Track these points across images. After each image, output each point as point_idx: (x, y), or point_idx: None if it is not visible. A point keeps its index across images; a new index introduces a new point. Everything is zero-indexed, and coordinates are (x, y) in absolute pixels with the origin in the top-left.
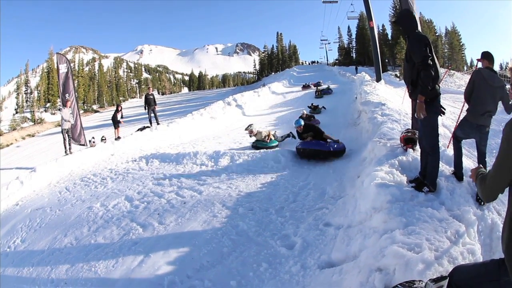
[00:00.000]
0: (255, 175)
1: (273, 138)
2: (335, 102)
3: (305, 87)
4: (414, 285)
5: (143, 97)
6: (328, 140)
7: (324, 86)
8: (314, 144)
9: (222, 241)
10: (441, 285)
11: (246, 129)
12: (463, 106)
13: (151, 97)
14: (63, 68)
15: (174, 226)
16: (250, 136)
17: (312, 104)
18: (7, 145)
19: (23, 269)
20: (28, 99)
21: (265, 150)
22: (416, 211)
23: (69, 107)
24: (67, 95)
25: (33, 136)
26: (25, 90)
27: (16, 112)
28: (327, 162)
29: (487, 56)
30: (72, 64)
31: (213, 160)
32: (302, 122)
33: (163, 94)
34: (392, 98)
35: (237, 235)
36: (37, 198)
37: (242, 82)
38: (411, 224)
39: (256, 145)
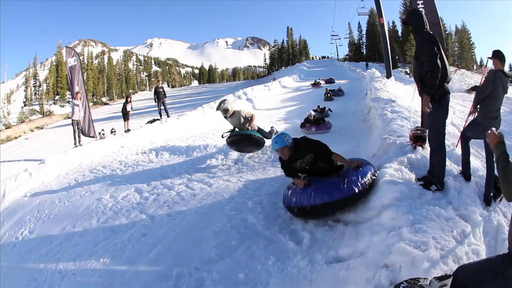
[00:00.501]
0: (265, 169)
1: (255, 129)
2: (344, 99)
3: (315, 84)
4: (419, 283)
5: (153, 89)
6: (342, 166)
7: (334, 86)
8: (319, 191)
9: (231, 234)
10: (445, 284)
11: (218, 109)
12: (472, 105)
13: (161, 90)
14: (72, 61)
15: (183, 218)
16: (226, 117)
17: (318, 106)
18: (16, 138)
19: (31, 260)
20: (37, 92)
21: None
22: (423, 209)
23: (79, 99)
24: (76, 88)
25: (41, 128)
26: (34, 83)
27: (25, 105)
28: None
29: (498, 55)
30: (81, 57)
31: (223, 153)
32: (287, 141)
33: (173, 87)
34: (402, 95)
35: (246, 229)
36: (46, 190)
37: (252, 76)
38: (418, 222)
39: (232, 139)
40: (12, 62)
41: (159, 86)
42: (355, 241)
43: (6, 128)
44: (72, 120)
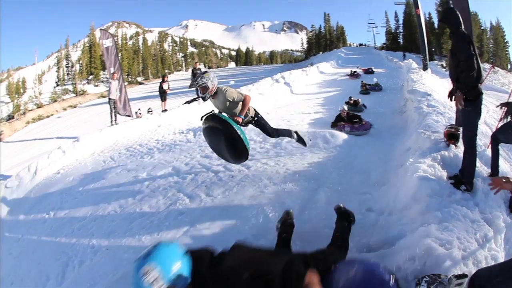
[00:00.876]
0: (303, 154)
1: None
2: (382, 95)
3: (353, 75)
4: (440, 279)
5: (190, 70)
6: None
7: (372, 80)
8: None
9: (268, 216)
10: (461, 282)
11: (193, 85)
12: (504, 112)
13: (198, 71)
14: (107, 43)
15: (221, 198)
16: (204, 98)
17: (350, 98)
18: (47, 116)
19: (62, 235)
20: (69, 72)
21: (313, 129)
22: (451, 208)
23: (115, 79)
24: (112, 68)
25: (74, 107)
26: (66, 64)
27: (57, 85)
28: (374, 147)
29: None
30: (115, 39)
31: (261, 136)
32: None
33: (209, 68)
34: (438, 89)
35: (282, 212)
36: (80, 167)
37: (290, 60)
38: (445, 221)
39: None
40: (42, 45)
41: (197, 67)
42: (386, 232)
43: (37, 108)
44: (109, 99)
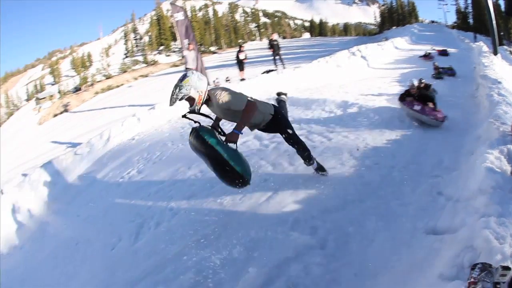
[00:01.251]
0: (381, 130)
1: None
2: (455, 81)
3: (426, 56)
4: (490, 268)
5: (264, 40)
6: None
7: (445, 63)
8: None
9: (347, 188)
10: (505, 274)
11: (172, 102)
12: None
13: (275, 42)
14: (179, 16)
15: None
16: (193, 110)
17: (420, 80)
18: (117, 86)
19: (138, 198)
20: (138, 44)
21: (389, 106)
22: (511, 204)
23: (191, 50)
24: (186, 40)
25: (146, 76)
26: (134, 37)
27: (126, 57)
28: (448, 132)
29: None
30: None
31: (341, 109)
32: None
33: (284, 38)
34: (508, 77)
35: (361, 186)
36: (157, 133)
37: (364, 33)
38: (503, 216)
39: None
40: (105, 21)
41: (273, 39)
42: (452, 218)
43: (106, 79)
44: (186, 68)
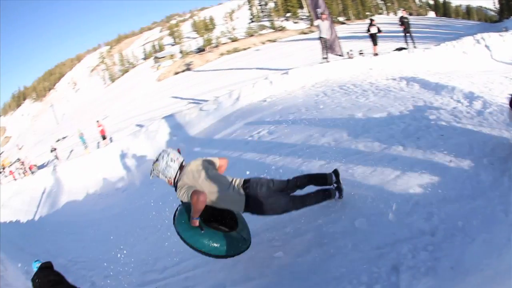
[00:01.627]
0: (501, 130)
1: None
2: None
3: None
4: None
5: (390, 15)
6: None
7: None
8: None
9: (464, 183)
10: None
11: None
12: None
13: (406, 20)
14: None
15: (429, 154)
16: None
17: None
18: (244, 49)
19: (265, 156)
20: (263, 10)
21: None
22: None
23: (325, 19)
24: (318, 10)
25: (274, 41)
26: (259, 3)
27: (252, 21)
28: None
29: None
30: None
31: (467, 101)
32: None
33: (410, 14)
34: None
35: (476, 183)
36: (290, 98)
37: (485, 19)
38: None
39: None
40: None
41: (404, 16)
42: None
43: (232, 41)
44: (320, 37)
